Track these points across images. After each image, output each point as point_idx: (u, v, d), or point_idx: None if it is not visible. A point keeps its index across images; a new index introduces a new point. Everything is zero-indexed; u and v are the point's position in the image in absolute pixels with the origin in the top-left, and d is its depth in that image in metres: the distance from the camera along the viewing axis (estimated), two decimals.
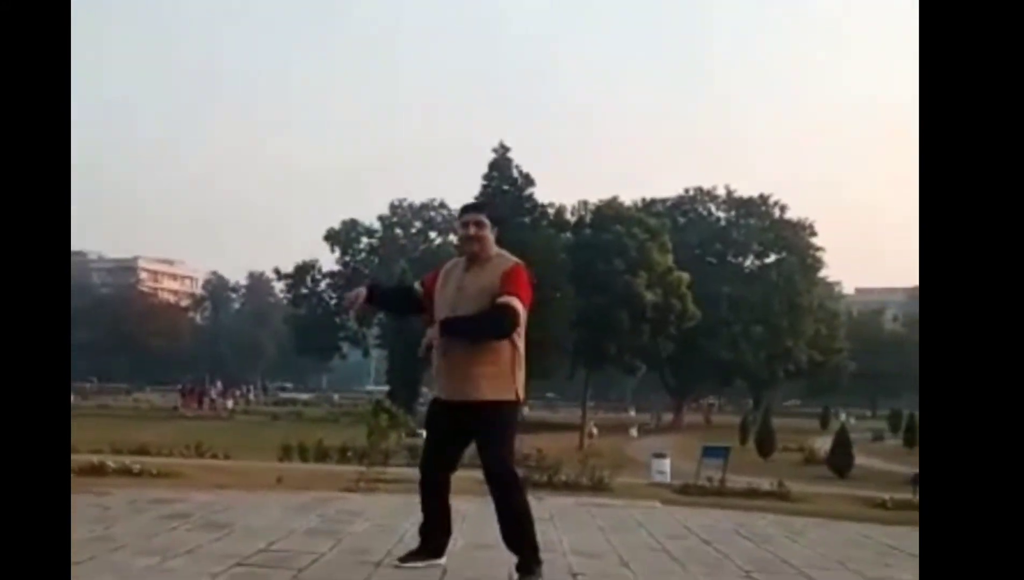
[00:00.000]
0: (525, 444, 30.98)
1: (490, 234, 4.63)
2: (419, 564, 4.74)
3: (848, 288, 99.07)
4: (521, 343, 4.58)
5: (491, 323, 4.43)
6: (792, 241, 70.17)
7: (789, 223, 71.32)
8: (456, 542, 5.22)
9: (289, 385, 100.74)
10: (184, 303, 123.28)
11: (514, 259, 4.61)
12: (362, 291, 4.92)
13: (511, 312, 4.40)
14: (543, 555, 4.59)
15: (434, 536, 4.79)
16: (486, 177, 54.72)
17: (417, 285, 4.92)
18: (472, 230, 4.59)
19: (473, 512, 6.65)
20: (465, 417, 4.53)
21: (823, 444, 40.02)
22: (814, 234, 71.41)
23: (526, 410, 66.76)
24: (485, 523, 5.39)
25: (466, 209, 4.74)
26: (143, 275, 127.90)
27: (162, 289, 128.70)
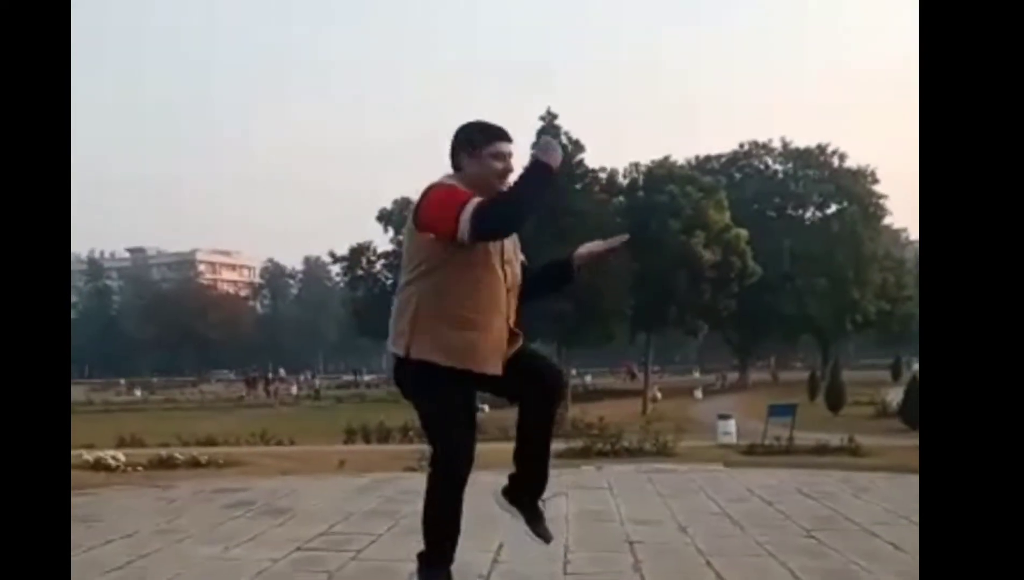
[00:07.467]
0: (588, 413, 31.02)
1: None
2: None
3: (915, 234, 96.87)
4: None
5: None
6: (853, 190, 68.25)
7: (849, 172, 69.25)
8: None
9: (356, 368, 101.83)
10: (243, 293, 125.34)
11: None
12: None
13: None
14: (601, 523, 4.30)
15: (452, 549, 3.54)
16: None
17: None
18: (511, 163, 3.49)
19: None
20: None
21: (895, 396, 38.85)
22: (876, 181, 69.37)
23: (588, 378, 66.29)
24: None
25: (507, 136, 3.52)
26: (202, 268, 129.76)
27: (221, 280, 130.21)
